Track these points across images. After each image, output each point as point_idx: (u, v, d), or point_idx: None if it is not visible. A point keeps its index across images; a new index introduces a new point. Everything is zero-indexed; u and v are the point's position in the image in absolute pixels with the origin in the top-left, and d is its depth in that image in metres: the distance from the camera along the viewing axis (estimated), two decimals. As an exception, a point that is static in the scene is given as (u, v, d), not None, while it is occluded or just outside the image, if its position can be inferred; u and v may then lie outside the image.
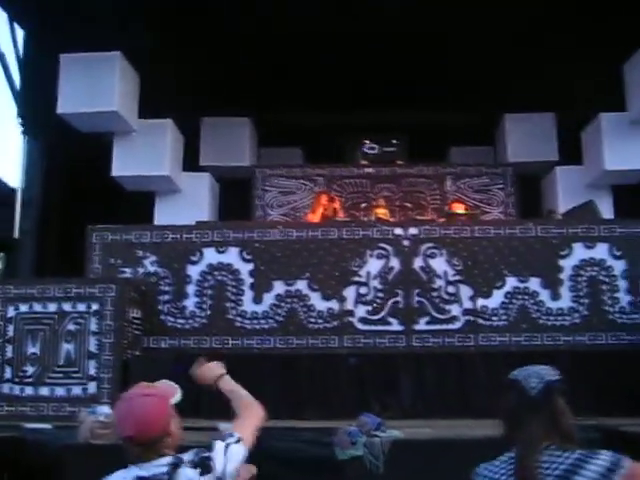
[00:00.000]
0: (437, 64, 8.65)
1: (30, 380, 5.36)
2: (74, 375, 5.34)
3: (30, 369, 5.37)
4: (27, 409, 5.28)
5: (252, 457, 2.16)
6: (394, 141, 9.43)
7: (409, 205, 8.78)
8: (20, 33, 8.51)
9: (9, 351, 5.40)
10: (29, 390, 5.34)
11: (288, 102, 9.17)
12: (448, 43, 8.51)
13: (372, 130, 9.82)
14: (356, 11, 8.05)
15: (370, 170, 9.01)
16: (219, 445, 2.03)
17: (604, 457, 1.78)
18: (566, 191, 8.68)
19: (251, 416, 2.26)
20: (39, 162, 8.47)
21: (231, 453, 2.02)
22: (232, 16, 8.10)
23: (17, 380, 5.35)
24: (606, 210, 8.58)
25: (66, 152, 8.37)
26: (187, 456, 1.99)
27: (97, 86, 7.57)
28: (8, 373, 5.37)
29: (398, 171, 9.00)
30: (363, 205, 8.70)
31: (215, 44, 8.49)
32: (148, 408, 2.00)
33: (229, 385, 2.39)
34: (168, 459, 1.96)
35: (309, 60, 8.60)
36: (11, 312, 5.47)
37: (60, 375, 5.35)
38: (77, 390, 5.29)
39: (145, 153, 8.09)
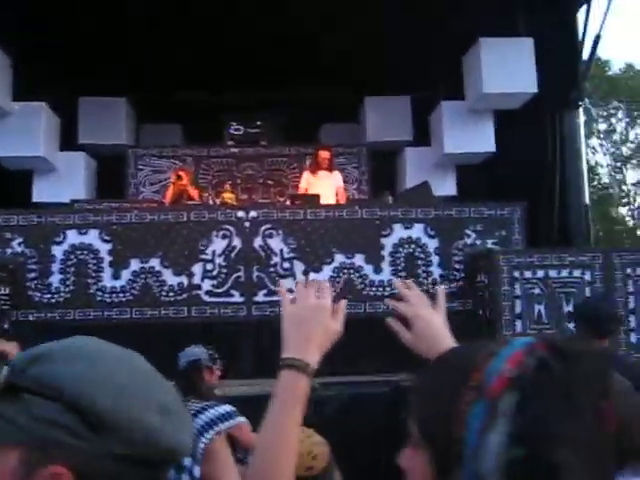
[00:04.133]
0: (310, 44, 9.27)
1: None
2: (-55, 347, 5.97)
3: None
4: None
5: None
6: (258, 122, 10.13)
7: (271, 182, 9.59)
8: None
9: None
10: None
11: (166, 79, 9.77)
12: (319, 24, 9.11)
13: (249, 109, 10.47)
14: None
15: (235, 150, 9.76)
16: None
17: (213, 411, 2.64)
18: (414, 170, 9.64)
19: None
20: None
21: None
22: None
23: None
24: (450, 188, 9.66)
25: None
26: None
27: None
28: None
29: (261, 151, 9.80)
30: (215, 185, 9.44)
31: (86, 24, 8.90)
32: None
33: None
34: None
35: (187, 40, 9.16)
36: None
37: None
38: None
39: (20, 134, 8.54)
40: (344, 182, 9.27)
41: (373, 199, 9.02)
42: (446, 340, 1.44)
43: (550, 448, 0.77)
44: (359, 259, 6.84)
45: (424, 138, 10.03)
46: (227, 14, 8.71)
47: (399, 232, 6.94)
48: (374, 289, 6.81)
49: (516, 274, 6.28)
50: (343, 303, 1.40)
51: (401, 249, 6.92)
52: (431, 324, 1.49)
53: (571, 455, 0.76)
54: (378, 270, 6.85)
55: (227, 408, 2.75)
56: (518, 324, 6.19)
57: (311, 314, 1.35)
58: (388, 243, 6.91)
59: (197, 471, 2.50)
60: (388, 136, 10.21)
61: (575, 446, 0.77)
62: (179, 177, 8.24)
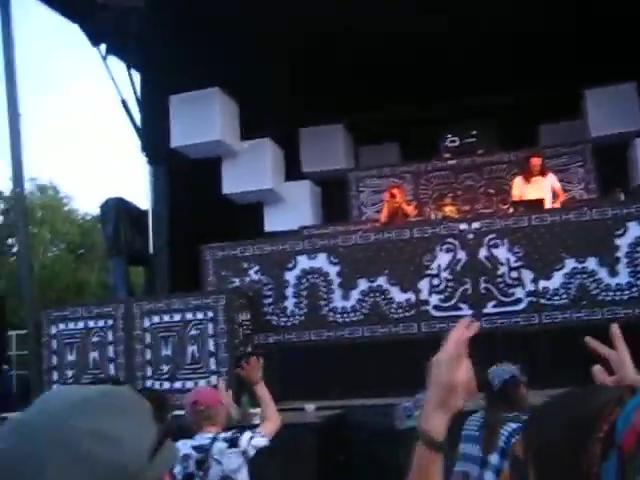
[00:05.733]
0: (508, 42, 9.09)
1: (166, 377, 6.64)
2: (199, 371, 6.55)
3: (165, 368, 6.64)
4: (167, 400, 6.56)
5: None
6: (473, 132, 9.99)
7: (492, 191, 9.38)
8: (136, 77, 9.81)
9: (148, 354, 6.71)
10: (166, 385, 6.61)
11: (376, 99, 10.04)
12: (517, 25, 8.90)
13: (461, 118, 10.38)
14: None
15: (453, 162, 9.69)
16: (247, 434, 3.10)
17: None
18: (647, 162, 8.96)
19: (271, 422, 3.33)
20: (164, 186, 9.76)
21: (255, 441, 3.08)
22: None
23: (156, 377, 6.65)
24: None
25: (185, 176, 9.61)
26: (224, 434, 3.07)
27: (202, 119, 8.74)
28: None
29: (479, 160, 9.63)
30: (435, 199, 9.43)
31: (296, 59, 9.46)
32: (207, 390, 3.18)
33: (261, 392, 3.45)
34: (211, 434, 3.06)
35: (388, 58, 9.38)
36: (147, 323, 6.77)
37: (188, 371, 6.58)
38: (202, 383, 6.48)
39: (249, 170, 9.19)
40: (569, 183, 8.85)
41: (602, 198, 8.48)
42: None
43: None
44: (592, 262, 6.46)
45: (656, 126, 9.28)
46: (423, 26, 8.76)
47: (635, 231, 6.46)
48: (611, 293, 6.39)
49: None
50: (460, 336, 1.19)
51: (639, 249, 6.43)
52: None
53: None
54: (614, 273, 6.42)
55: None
56: None
57: (444, 377, 1.17)
58: (623, 243, 6.46)
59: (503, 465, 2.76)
60: (614, 128, 9.55)
61: None
62: (392, 195, 8.34)
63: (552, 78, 9.76)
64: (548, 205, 7.66)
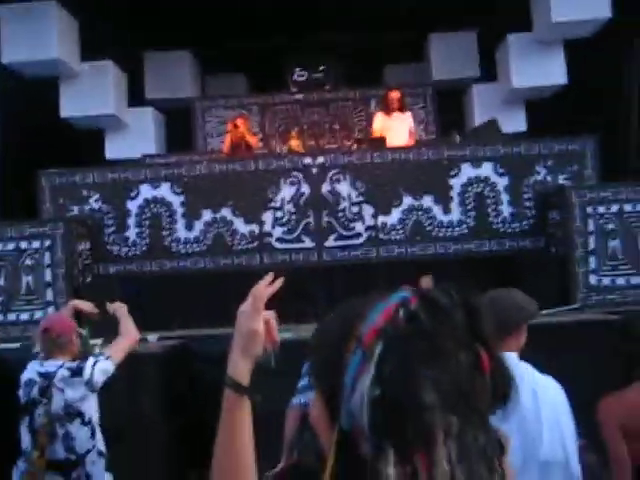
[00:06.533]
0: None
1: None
2: (35, 302, 6.29)
3: (-2, 299, 6.32)
4: (-2, 332, 6.27)
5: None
6: (322, 67, 10.07)
7: (337, 127, 9.56)
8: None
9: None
10: (-1, 317, 6.30)
11: (227, 29, 9.77)
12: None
13: (311, 53, 10.40)
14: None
15: (299, 96, 9.74)
16: (90, 359, 3.04)
17: None
18: (482, 107, 9.43)
19: (126, 338, 3.25)
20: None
21: (99, 365, 3.03)
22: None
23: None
24: (520, 124, 9.43)
25: (19, 96, 8.97)
26: (69, 363, 3.00)
27: (37, 34, 8.14)
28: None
29: (326, 96, 9.75)
30: (282, 132, 9.47)
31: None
32: (60, 317, 3.06)
33: (122, 312, 3.36)
34: (58, 362, 2.98)
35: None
36: (-24, 251, 6.37)
37: (23, 302, 6.30)
38: (38, 314, 6.23)
39: (90, 94, 8.75)
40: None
41: (440, 139, 8.89)
42: None
43: (407, 389, 0.85)
44: (427, 200, 6.80)
45: (491, 74, 9.78)
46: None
47: (468, 172, 6.85)
48: (443, 230, 6.79)
49: (589, 210, 6.13)
50: (260, 292, 1.30)
51: (470, 189, 6.84)
52: None
53: (431, 395, 0.84)
54: (447, 211, 6.81)
55: None
56: (592, 260, 6.07)
57: (237, 324, 1.27)
58: (457, 183, 6.84)
59: None
60: (454, 74, 10.01)
61: (438, 388, 0.84)
62: (235, 126, 8.24)
63: (399, 20, 9.95)
64: (405, 142, 7.88)
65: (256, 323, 1.26)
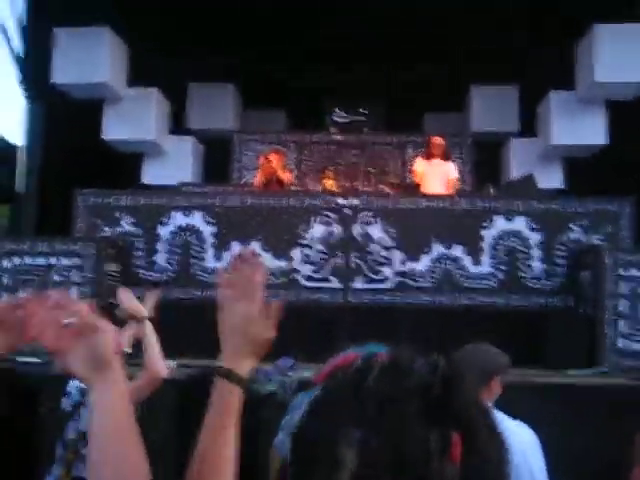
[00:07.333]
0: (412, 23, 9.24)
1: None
2: (59, 318, 6.32)
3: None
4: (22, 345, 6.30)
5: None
6: (362, 109, 10.16)
7: (373, 171, 9.60)
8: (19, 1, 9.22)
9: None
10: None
11: (271, 64, 9.95)
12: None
13: (352, 94, 10.48)
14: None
15: (338, 137, 9.83)
16: None
17: None
18: (519, 161, 9.43)
19: (154, 371, 2.99)
20: (40, 123, 9.28)
21: None
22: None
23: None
24: (557, 181, 9.38)
25: (65, 115, 9.15)
26: None
27: (89, 58, 8.36)
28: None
29: (364, 138, 9.82)
30: (317, 171, 9.49)
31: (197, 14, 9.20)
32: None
33: (148, 331, 3.09)
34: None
35: (290, 25, 9.32)
36: (7, 264, 6.46)
37: (47, 318, 6.33)
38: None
39: (133, 118, 8.92)
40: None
41: (474, 190, 8.87)
42: None
43: (324, 437, 0.79)
44: (458, 250, 6.76)
45: (531, 129, 9.79)
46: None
47: (500, 224, 6.81)
48: (471, 281, 6.73)
49: (622, 272, 6.04)
50: (276, 305, 1.31)
51: (502, 242, 6.79)
52: None
53: (348, 455, 0.76)
54: (477, 262, 6.75)
55: None
56: (621, 324, 5.95)
57: (241, 325, 1.27)
58: (488, 235, 6.80)
59: None
60: (493, 126, 10.02)
61: (363, 452, 0.76)
62: (268, 160, 8.28)
63: (443, 70, 10.04)
64: (440, 190, 7.87)
65: (270, 331, 1.27)
